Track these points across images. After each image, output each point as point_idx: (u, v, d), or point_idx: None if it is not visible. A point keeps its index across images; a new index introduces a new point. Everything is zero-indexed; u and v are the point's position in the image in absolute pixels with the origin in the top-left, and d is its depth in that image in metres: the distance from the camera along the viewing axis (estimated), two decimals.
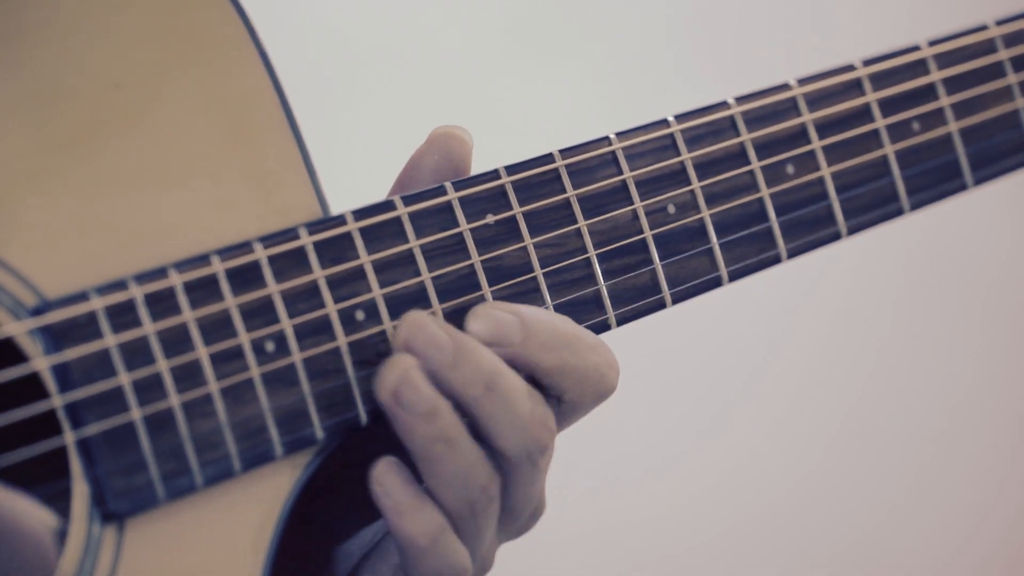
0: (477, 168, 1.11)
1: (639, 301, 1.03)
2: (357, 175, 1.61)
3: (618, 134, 1.02)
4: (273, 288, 0.94)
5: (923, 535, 2.92)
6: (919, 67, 1.10)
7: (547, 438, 0.96)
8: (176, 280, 0.92)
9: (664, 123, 1.04)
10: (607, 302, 1.02)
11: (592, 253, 1.02)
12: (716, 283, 1.04)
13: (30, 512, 0.90)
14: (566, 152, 1.02)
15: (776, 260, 1.07)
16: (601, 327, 1.02)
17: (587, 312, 1.02)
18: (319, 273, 0.95)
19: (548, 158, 1.01)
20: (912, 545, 2.94)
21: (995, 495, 3.02)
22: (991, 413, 3.00)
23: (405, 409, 0.94)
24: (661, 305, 1.02)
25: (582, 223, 1.01)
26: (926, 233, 2.83)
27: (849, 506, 2.92)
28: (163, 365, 0.91)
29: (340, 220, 0.96)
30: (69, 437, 0.89)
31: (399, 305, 0.97)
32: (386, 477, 0.96)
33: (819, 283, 2.81)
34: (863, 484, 2.95)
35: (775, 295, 2.77)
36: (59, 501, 0.93)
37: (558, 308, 1.02)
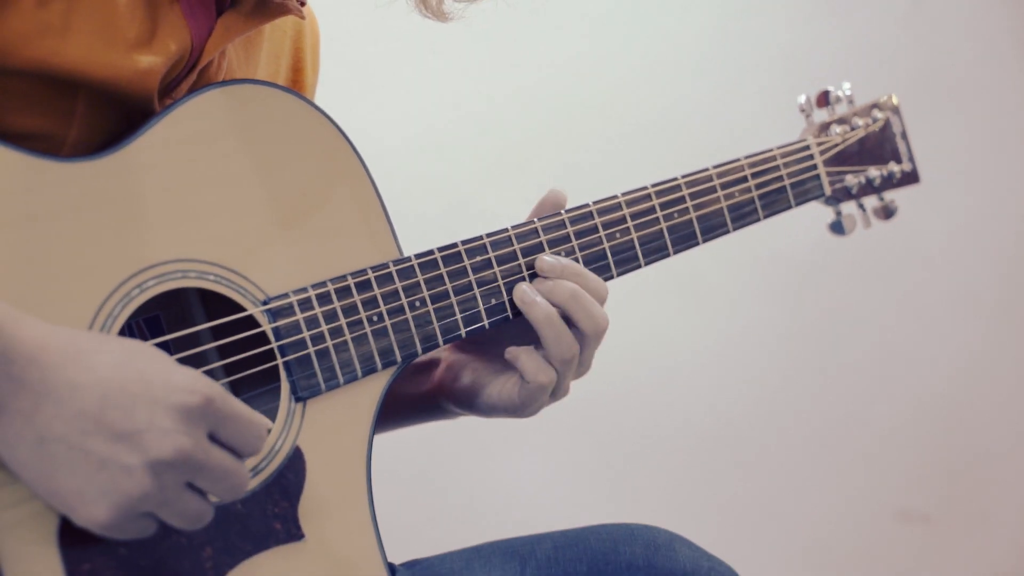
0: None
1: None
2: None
3: (487, 234, 1.34)
4: (376, 291, 1.27)
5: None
6: (676, 189, 1.45)
7: (604, 326, 1.28)
8: (331, 287, 1.24)
9: (505, 230, 1.36)
10: (484, 316, 1.35)
11: (477, 291, 1.35)
12: None
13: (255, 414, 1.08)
14: (466, 242, 1.33)
15: (610, 278, 1.41)
16: (479, 331, 1.33)
17: (479, 318, 1.33)
18: (399, 284, 1.29)
19: (454, 245, 1.33)
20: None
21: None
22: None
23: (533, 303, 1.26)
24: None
25: (471, 276, 1.34)
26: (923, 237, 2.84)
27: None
28: (324, 327, 1.23)
29: (408, 259, 1.29)
30: (279, 361, 1.21)
31: (435, 299, 1.30)
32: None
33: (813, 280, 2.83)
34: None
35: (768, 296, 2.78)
36: (274, 391, 1.22)
37: (463, 316, 1.30)
